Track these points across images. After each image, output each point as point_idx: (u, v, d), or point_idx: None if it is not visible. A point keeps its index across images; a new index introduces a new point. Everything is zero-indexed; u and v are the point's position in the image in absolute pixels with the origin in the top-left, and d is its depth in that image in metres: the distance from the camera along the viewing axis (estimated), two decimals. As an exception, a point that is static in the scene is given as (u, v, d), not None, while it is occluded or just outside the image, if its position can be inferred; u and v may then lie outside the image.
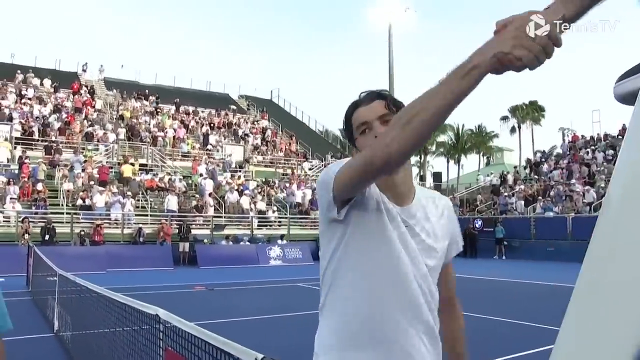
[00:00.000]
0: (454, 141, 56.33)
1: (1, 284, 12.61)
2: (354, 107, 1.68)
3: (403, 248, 1.60)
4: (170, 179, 24.90)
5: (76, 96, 31.83)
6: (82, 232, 19.53)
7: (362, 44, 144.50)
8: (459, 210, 29.82)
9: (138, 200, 23.10)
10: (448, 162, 58.64)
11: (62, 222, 20.06)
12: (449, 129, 56.51)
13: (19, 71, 32.71)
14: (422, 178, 50.23)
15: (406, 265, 1.60)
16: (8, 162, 22.72)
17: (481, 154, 59.36)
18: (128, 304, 4.58)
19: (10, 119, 26.29)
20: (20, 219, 18.87)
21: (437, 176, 50.06)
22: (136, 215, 21.98)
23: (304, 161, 33.05)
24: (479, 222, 26.25)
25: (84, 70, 37.92)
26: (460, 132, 56.38)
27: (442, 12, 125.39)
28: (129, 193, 22.47)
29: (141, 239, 20.50)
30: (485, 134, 57.59)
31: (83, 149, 25.48)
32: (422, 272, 1.62)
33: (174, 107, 35.31)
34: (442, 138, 56.88)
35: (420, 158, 57.66)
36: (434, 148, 57.23)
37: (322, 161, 33.33)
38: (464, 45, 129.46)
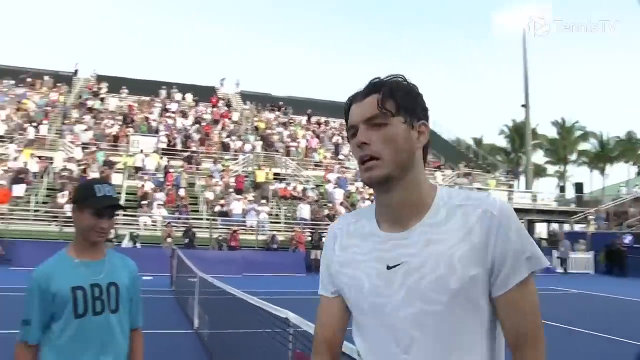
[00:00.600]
0: (598, 149, 52.55)
1: (148, 282, 13.48)
2: (350, 103, 1.41)
3: (370, 306, 1.34)
4: (303, 188, 25.45)
5: (214, 109, 33.64)
6: (220, 237, 20.48)
7: (495, 50, 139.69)
8: (606, 224, 27.63)
9: (272, 208, 23.85)
10: (591, 171, 54.78)
11: (202, 227, 21.16)
12: (591, 136, 52.77)
13: (164, 87, 35.22)
14: (562, 189, 47.23)
15: (369, 326, 1.35)
16: (155, 171, 24.41)
17: (631, 163, 54.75)
18: (261, 306, 4.65)
19: (157, 131, 28.32)
20: (165, 224, 20.23)
21: (578, 187, 46.95)
22: (270, 222, 22.68)
23: (437, 170, 32.36)
24: (629, 238, 24.04)
25: (222, 85, 39.95)
26: (605, 139, 52.46)
27: (580, 14, 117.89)
28: (264, 201, 23.25)
29: (275, 246, 21.07)
30: (635, 141, 53.06)
31: (221, 158, 26.79)
32: (403, 336, 1.29)
33: (305, 118, 36.15)
34: (583, 146, 53.25)
35: (560, 167, 54.38)
36: (574, 157, 53.74)
37: (454, 170, 32.46)
38: (602, 48, 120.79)
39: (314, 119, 36.29)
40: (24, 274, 2.34)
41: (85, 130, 26.87)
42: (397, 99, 1.32)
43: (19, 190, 20.82)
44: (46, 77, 33.33)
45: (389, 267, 1.31)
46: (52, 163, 23.58)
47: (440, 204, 1.33)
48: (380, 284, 1.32)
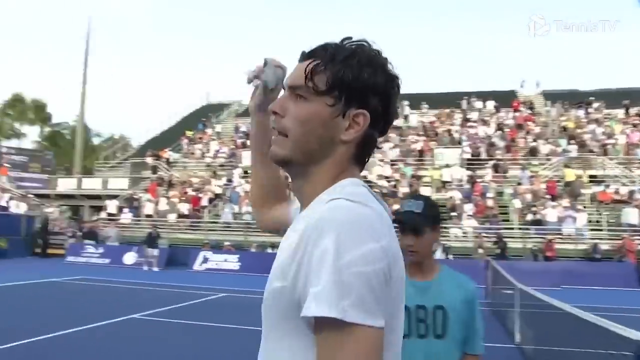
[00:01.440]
0: None
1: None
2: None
3: None
4: (629, 190, 22.56)
5: (517, 113, 32.31)
6: (535, 247, 19.38)
7: None
8: None
9: (591, 214, 21.74)
10: None
11: (513, 237, 20.33)
12: None
13: (464, 97, 35.15)
14: None
15: None
16: (462, 182, 24.38)
17: None
18: (599, 324, 4.13)
19: (460, 142, 28.34)
20: (475, 234, 19.99)
21: None
22: (590, 230, 20.67)
23: None
24: None
25: (522, 87, 38.32)
26: None
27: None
28: (580, 207, 21.33)
29: (597, 256, 19.08)
30: None
31: (529, 164, 25.53)
32: None
33: (622, 111, 32.29)
34: None
35: None
36: None
37: None
38: None
39: (633, 111, 32.17)
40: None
41: (392, 147, 28.33)
42: (335, 73, 1.08)
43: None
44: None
45: None
46: (366, 181, 25.25)
47: (321, 197, 1.09)
48: None
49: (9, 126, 60.46)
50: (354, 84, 1.09)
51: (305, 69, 1.11)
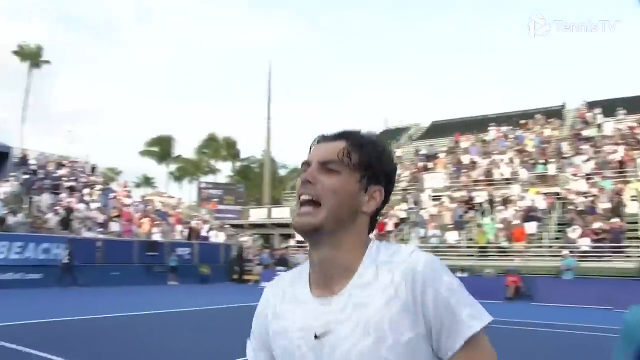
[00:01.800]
0: None
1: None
2: (317, 140, 1.31)
3: None
4: None
5: None
6: None
7: None
8: None
9: None
10: None
11: None
12: None
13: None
14: None
15: None
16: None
17: None
18: None
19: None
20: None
21: None
22: None
23: None
24: None
25: None
26: None
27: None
28: None
29: None
30: None
31: None
32: None
33: None
34: None
35: None
36: None
37: None
38: None
39: None
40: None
41: (586, 160, 26.02)
42: (363, 154, 1.24)
43: (530, 227, 21.44)
44: (537, 116, 34.11)
45: (316, 337, 1.18)
46: (558, 198, 23.54)
47: (368, 262, 1.21)
48: (309, 355, 1.18)
49: (205, 163, 66.54)
50: (375, 166, 1.25)
51: (342, 149, 1.23)
